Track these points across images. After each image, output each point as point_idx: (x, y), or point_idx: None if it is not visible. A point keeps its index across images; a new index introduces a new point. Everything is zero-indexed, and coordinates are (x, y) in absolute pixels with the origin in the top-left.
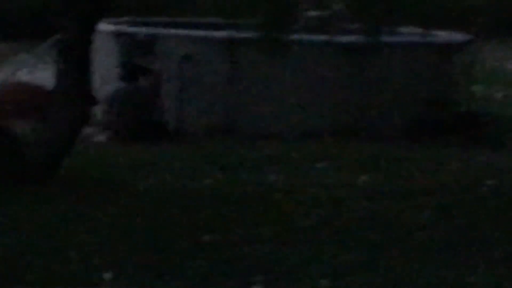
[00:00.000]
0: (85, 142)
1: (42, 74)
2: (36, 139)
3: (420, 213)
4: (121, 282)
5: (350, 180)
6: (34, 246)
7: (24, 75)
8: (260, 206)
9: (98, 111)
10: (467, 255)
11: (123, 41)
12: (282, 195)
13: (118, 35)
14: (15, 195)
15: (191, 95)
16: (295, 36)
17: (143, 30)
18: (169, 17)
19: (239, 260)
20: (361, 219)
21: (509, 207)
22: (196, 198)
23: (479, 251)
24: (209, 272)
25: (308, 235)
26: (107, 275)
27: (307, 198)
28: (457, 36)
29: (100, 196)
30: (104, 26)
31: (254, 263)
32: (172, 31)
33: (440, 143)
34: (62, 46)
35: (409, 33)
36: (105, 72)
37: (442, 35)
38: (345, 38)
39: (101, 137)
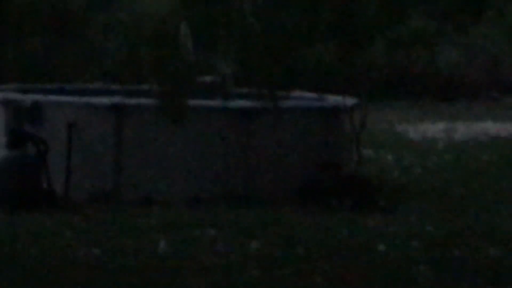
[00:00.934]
0: None
1: None
2: None
3: (312, 279)
4: None
5: (241, 246)
6: None
7: None
8: (151, 274)
9: None
10: None
11: (9, 108)
12: (172, 263)
13: (4, 102)
14: None
15: (78, 162)
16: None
17: (29, 97)
18: (56, 84)
19: None
20: (251, 286)
21: (400, 272)
22: (85, 268)
23: None
24: None
25: None
26: None
27: (198, 265)
28: (346, 100)
29: None
30: None
31: None
32: (58, 97)
33: (330, 207)
34: None
35: (299, 97)
36: None
37: (331, 99)
38: (234, 103)
39: None
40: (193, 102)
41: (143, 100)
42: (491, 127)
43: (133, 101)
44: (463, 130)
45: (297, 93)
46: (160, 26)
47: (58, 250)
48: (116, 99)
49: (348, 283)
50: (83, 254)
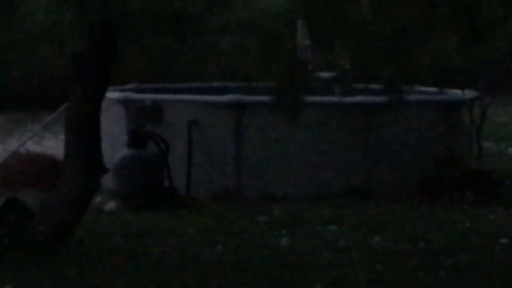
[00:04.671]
0: (95, 210)
1: (50, 143)
2: (45, 209)
3: (434, 273)
4: None
5: (363, 242)
6: None
7: (32, 145)
8: (274, 270)
9: (107, 179)
10: None
11: (130, 108)
12: (295, 259)
13: (125, 102)
14: (24, 267)
15: (198, 160)
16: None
17: (150, 96)
18: (173, 83)
19: None
20: (374, 281)
21: None
22: (208, 265)
23: None
24: None
25: None
26: None
27: (321, 261)
28: (466, 93)
29: (111, 266)
30: (112, 94)
31: None
32: (178, 96)
33: (451, 201)
34: (70, 115)
35: (418, 91)
36: (113, 139)
37: (451, 93)
38: (353, 98)
39: (111, 205)
40: (312, 98)
41: (262, 98)
42: None
43: (253, 98)
44: None
45: (416, 87)
46: (275, 24)
47: (180, 247)
48: (235, 97)
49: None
50: (206, 251)
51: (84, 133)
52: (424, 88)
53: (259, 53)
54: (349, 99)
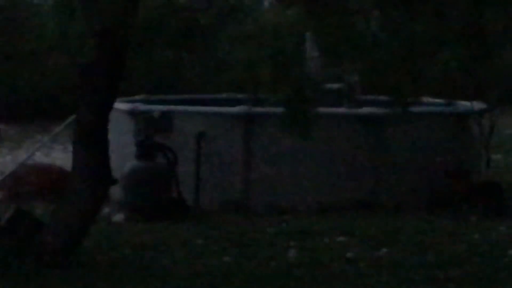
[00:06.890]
0: (103, 222)
1: (59, 154)
2: (54, 221)
3: (443, 285)
4: None
5: (371, 253)
6: None
7: (41, 156)
8: (282, 282)
9: (115, 190)
10: None
11: (139, 119)
12: (303, 270)
13: (133, 113)
14: (32, 278)
15: (207, 171)
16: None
17: (159, 107)
18: (182, 95)
19: None
20: None
21: None
22: (217, 277)
23: None
24: None
25: None
26: None
27: (329, 273)
28: (475, 105)
29: (119, 277)
30: (120, 105)
31: None
32: (187, 107)
33: (460, 213)
34: (79, 126)
35: (427, 103)
36: (122, 151)
37: (460, 105)
38: (361, 110)
39: (119, 217)
40: (320, 109)
41: (271, 109)
42: None
43: (261, 110)
44: None
45: (425, 99)
46: (283, 36)
47: (189, 259)
48: (244, 108)
49: None
50: (214, 263)
51: (93, 144)
52: (433, 100)
53: (269, 66)
54: (357, 110)
